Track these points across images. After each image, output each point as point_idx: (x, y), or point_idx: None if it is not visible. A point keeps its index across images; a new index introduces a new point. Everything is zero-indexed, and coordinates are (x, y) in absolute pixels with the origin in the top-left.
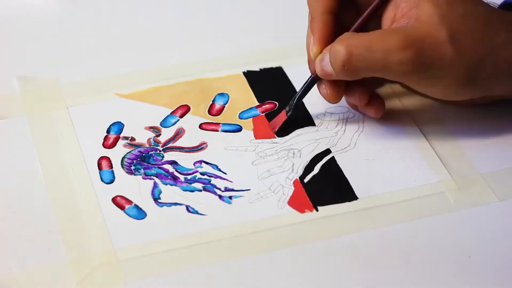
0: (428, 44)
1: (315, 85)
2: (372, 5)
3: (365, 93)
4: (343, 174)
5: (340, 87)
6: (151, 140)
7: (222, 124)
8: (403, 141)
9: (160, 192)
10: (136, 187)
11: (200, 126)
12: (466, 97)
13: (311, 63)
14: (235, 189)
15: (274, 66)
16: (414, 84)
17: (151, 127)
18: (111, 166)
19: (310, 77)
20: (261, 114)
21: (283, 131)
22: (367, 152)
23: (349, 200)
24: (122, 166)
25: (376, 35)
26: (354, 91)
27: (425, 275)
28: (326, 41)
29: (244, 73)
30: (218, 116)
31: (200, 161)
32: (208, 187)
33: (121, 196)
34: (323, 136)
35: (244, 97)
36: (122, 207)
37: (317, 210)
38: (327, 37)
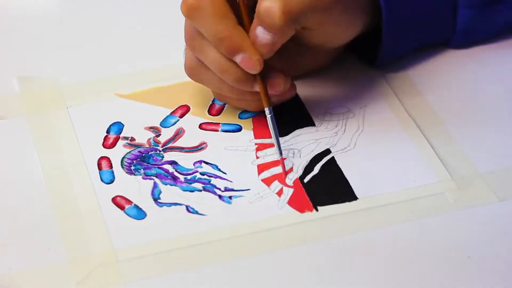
0: None
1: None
2: None
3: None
4: (343, 174)
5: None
6: (151, 140)
7: (222, 124)
8: (403, 141)
9: (160, 192)
10: (136, 187)
11: (200, 126)
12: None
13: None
14: (235, 189)
15: None
16: (333, 20)
17: (151, 127)
18: (111, 166)
19: (269, 112)
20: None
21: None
22: (367, 152)
23: (349, 200)
24: (122, 166)
25: None
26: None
27: (424, 275)
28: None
29: None
30: (218, 116)
31: (200, 161)
32: (208, 187)
33: (121, 196)
34: (323, 136)
35: None
36: (122, 207)
37: (317, 210)
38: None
